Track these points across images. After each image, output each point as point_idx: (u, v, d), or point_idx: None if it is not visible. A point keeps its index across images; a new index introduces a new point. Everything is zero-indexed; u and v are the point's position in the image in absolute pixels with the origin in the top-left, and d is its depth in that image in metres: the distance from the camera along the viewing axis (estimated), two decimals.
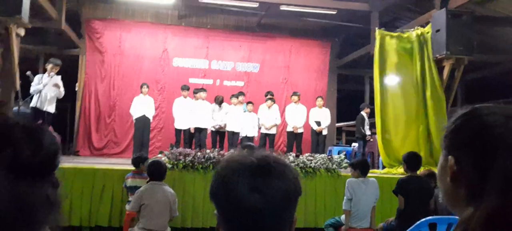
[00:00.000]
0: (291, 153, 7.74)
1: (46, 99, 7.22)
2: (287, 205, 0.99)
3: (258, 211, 0.95)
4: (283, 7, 10.26)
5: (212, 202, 1.02)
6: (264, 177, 0.97)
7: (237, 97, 9.53)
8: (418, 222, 3.77)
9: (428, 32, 8.04)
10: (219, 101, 9.49)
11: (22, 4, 6.57)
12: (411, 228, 3.79)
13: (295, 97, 9.67)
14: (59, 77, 7.46)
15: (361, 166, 5.03)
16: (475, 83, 12.05)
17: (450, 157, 0.89)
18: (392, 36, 8.28)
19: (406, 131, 8.06)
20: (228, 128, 9.35)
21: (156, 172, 4.39)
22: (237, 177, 0.97)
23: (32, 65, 10.02)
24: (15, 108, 7.12)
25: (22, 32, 7.27)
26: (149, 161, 5.11)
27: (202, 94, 9.29)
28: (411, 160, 4.91)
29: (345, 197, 4.87)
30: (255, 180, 0.96)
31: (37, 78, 7.24)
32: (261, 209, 0.95)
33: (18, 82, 7.16)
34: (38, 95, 7.16)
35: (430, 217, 3.95)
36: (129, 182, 5.24)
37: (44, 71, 7.36)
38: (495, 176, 0.81)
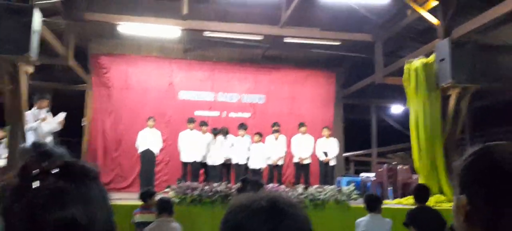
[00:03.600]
0: (299, 184, 7.66)
1: (42, 135, 7.21)
2: None
3: None
4: (287, 40, 10.37)
5: None
6: (278, 220, 0.96)
7: (245, 129, 9.52)
8: None
9: (432, 62, 8.06)
10: (224, 132, 9.50)
11: (31, 42, 6.67)
12: None
13: (303, 128, 9.64)
14: (64, 114, 7.45)
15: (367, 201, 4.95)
16: (481, 111, 12.00)
17: (462, 196, 0.88)
18: (409, 68, 8.28)
19: (419, 163, 7.99)
20: (234, 160, 9.31)
21: (166, 208, 4.37)
22: (252, 222, 0.96)
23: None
24: (22, 144, 7.13)
25: (30, 69, 7.35)
26: (157, 196, 5.07)
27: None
28: (420, 192, 4.86)
29: None
30: (270, 224, 0.95)
31: (30, 114, 7.17)
32: None
33: (27, 117, 7.20)
34: (34, 132, 7.12)
35: None
36: (138, 217, 5.20)
37: (31, 106, 7.29)
38: (509, 214, 0.81)
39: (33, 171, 0.74)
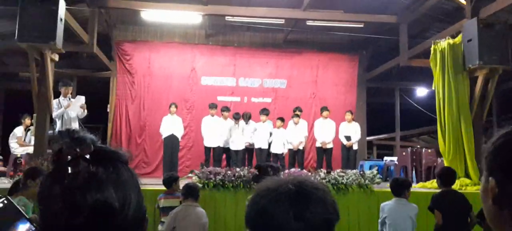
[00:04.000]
0: (321, 169, 7.64)
1: (70, 121, 7.35)
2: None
3: None
4: (309, 23, 10.26)
5: (249, 229, 1.02)
6: (305, 204, 0.97)
7: (266, 114, 9.53)
8: None
9: (459, 42, 7.85)
10: (247, 117, 9.53)
11: (56, 30, 6.80)
12: None
13: (326, 113, 9.56)
14: (84, 97, 7.58)
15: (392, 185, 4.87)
16: (509, 94, 11.65)
17: (491, 178, 0.86)
18: (436, 49, 8.09)
19: (444, 146, 7.84)
20: (256, 145, 9.35)
21: (190, 193, 4.43)
22: (278, 206, 0.96)
23: None
24: (50, 131, 7.31)
25: (56, 57, 7.52)
26: (180, 181, 5.14)
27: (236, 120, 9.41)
28: (445, 175, 4.79)
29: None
30: (297, 208, 0.96)
31: (55, 103, 7.33)
32: None
33: (53, 105, 7.37)
34: (61, 118, 7.28)
35: None
36: (162, 202, 5.28)
37: (57, 95, 7.45)
38: None
39: (68, 156, 0.77)
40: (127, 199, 0.78)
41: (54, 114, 7.29)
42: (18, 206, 0.90)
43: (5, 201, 0.90)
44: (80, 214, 0.73)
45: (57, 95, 7.46)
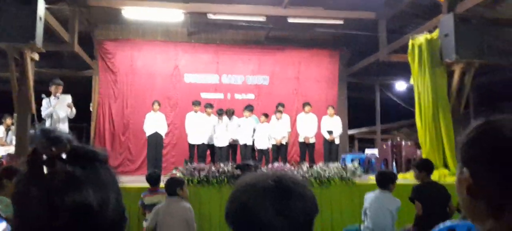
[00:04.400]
0: (304, 162, 7.76)
1: (58, 120, 7.31)
2: (308, 224, 1.01)
3: None
4: (290, 20, 10.34)
5: (229, 225, 1.02)
6: (285, 199, 0.98)
7: (250, 111, 9.60)
8: (436, 228, 3.76)
9: (436, 37, 8.04)
10: (230, 113, 9.60)
11: (36, 30, 6.74)
12: None
13: (308, 108, 9.70)
14: (70, 96, 7.54)
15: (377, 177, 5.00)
16: (487, 86, 11.96)
17: (465, 169, 0.87)
18: (413, 44, 8.27)
19: (424, 138, 8.03)
20: (241, 141, 9.43)
21: (172, 189, 4.44)
22: (259, 201, 0.97)
23: (47, 88, 10.23)
24: (32, 130, 7.25)
25: (36, 56, 7.45)
26: (164, 178, 5.16)
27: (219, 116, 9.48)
28: (424, 166, 4.90)
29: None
30: (278, 203, 0.96)
31: (45, 102, 7.29)
32: (285, 230, 0.96)
33: (33, 105, 7.31)
34: (49, 118, 7.24)
35: (448, 223, 3.92)
36: (146, 200, 5.31)
37: (48, 94, 7.43)
38: None
39: (43, 156, 0.74)
40: (105, 198, 0.76)
41: (43, 113, 7.25)
42: None
43: None
44: (59, 216, 0.70)
45: (38, 94, 7.40)
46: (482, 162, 0.84)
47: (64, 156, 0.75)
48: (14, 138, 7.79)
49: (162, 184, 5.52)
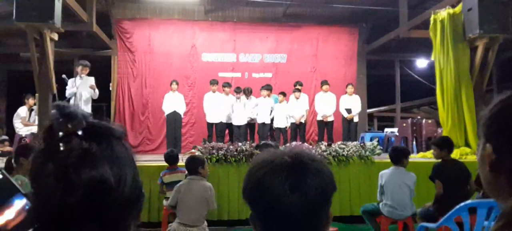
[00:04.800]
0: (322, 142, 7.72)
1: (81, 101, 7.44)
2: (324, 202, 0.99)
3: (298, 210, 0.95)
4: None
5: (246, 202, 1.02)
6: (301, 175, 0.97)
7: (267, 90, 9.57)
8: (457, 207, 3.72)
9: (459, 12, 7.81)
10: (248, 92, 9.59)
11: (54, 10, 6.79)
12: (450, 212, 3.74)
13: (326, 86, 9.61)
14: (93, 78, 7.67)
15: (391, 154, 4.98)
16: (510, 61, 11.63)
17: (487, 144, 0.85)
18: (436, 19, 8.06)
19: (445, 116, 7.88)
20: (259, 120, 9.43)
21: (191, 167, 4.47)
22: (274, 178, 0.96)
23: (67, 68, 10.36)
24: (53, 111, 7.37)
25: (55, 36, 7.53)
26: (184, 156, 5.21)
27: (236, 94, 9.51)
28: (444, 144, 4.83)
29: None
30: (293, 180, 0.96)
31: (70, 82, 7.45)
32: (300, 208, 0.95)
33: (54, 85, 7.42)
34: (73, 98, 7.37)
35: (469, 201, 3.89)
36: (166, 178, 5.37)
37: (76, 74, 7.59)
38: None
39: (59, 133, 0.74)
40: (122, 175, 0.75)
41: (67, 92, 7.38)
42: (13, 181, 0.85)
43: (0, 175, 0.85)
44: (75, 192, 0.70)
45: (58, 74, 7.51)
46: (505, 136, 0.82)
47: (80, 132, 0.74)
48: (37, 117, 7.94)
49: (181, 163, 5.59)
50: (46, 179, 0.71)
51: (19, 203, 0.81)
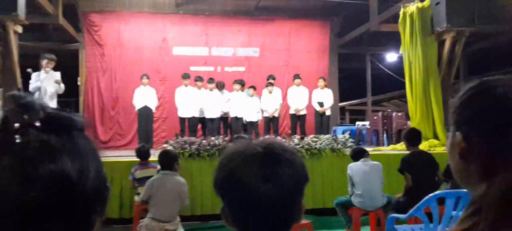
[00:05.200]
0: (295, 135, 7.76)
1: (46, 96, 7.18)
2: (297, 193, 0.99)
3: (270, 201, 0.94)
4: None
5: (217, 193, 1.01)
6: (274, 166, 0.96)
7: (240, 84, 9.53)
8: (426, 198, 3.79)
9: (428, 6, 7.97)
10: (220, 86, 9.53)
11: (18, 1, 6.57)
12: (419, 203, 3.81)
13: (298, 81, 9.65)
14: (59, 73, 7.41)
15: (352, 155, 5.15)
16: (478, 55, 11.95)
17: (458, 133, 0.85)
18: (405, 13, 8.19)
19: (414, 109, 8.04)
20: (231, 114, 9.39)
21: (164, 162, 4.41)
22: (246, 168, 0.95)
23: (33, 62, 10.02)
24: None
25: (19, 29, 7.29)
26: (156, 152, 5.13)
27: (210, 85, 9.42)
28: (412, 136, 4.95)
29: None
30: (265, 170, 0.95)
31: (34, 76, 7.13)
32: (273, 198, 0.94)
33: (19, 79, 7.18)
34: (37, 92, 7.10)
35: (438, 192, 3.97)
36: (138, 174, 5.29)
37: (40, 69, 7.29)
38: (509, 150, 0.78)
39: (15, 124, 0.69)
40: (84, 168, 0.71)
41: (30, 87, 7.10)
42: None
43: None
44: (33, 187, 0.65)
45: (24, 68, 7.24)
46: (475, 123, 0.83)
47: (38, 123, 0.69)
48: (1, 112, 7.65)
49: (153, 158, 5.51)
50: (1, 174, 0.66)
51: None
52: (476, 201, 0.80)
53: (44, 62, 7.26)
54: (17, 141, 0.68)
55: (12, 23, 6.93)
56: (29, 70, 7.14)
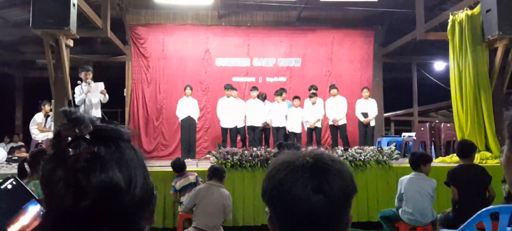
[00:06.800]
0: (338, 146, 7.61)
1: (91, 106, 7.44)
2: (346, 203, 0.98)
3: (321, 211, 0.94)
4: None
5: (266, 204, 1.01)
6: (323, 176, 0.96)
7: (281, 95, 9.52)
8: (478, 212, 3.58)
9: (477, 13, 7.64)
10: (262, 97, 9.54)
11: (70, 16, 6.83)
12: (471, 218, 3.61)
13: (334, 91, 9.53)
14: (102, 83, 7.68)
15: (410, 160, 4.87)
16: None
17: None
18: (454, 21, 7.90)
19: (464, 120, 7.70)
20: (273, 124, 9.37)
21: (216, 175, 4.46)
22: (296, 179, 0.95)
23: None
24: None
25: (71, 43, 7.59)
26: (198, 162, 5.18)
27: (253, 93, 9.47)
28: (462, 148, 4.72)
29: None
30: (316, 180, 0.95)
31: (78, 89, 7.44)
32: (323, 209, 0.94)
33: (70, 92, 7.46)
34: (83, 104, 7.38)
35: (491, 206, 3.75)
36: (178, 184, 5.36)
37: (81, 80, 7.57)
38: None
39: (67, 138, 0.74)
40: (132, 177, 0.76)
41: (76, 100, 7.39)
42: (27, 187, 0.86)
43: (14, 182, 0.86)
44: (86, 197, 0.70)
45: (74, 80, 7.54)
46: None
47: (88, 136, 0.75)
48: (53, 123, 7.99)
49: (191, 168, 5.59)
50: (56, 185, 0.71)
51: (34, 209, 0.83)
52: None
53: (82, 74, 7.55)
54: (70, 153, 0.73)
55: (64, 37, 7.23)
56: (79, 82, 7.44)
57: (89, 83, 7.48)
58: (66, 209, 0.70)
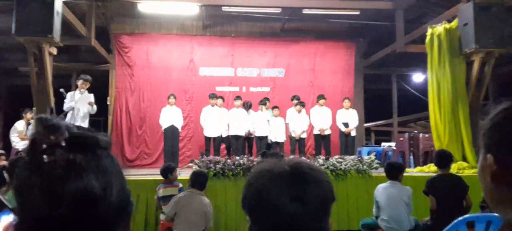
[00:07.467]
0: (320, 155, 7.72)
1: (78, 116, 7.39)
2: (324, 212, 0.99)
3: (298, 219, 0.94)
4: (305, 11, 10.27)
5: (245, 212, 1.01)
6: (301, 184, 0.96)
7: (265, 104, 9.61)
8: (455, 221, 3.70)
9: (455, 27, 7.88)
10: (247, 106, 9.62)
11: (53, 24, 6.83)
12: (448, 227, 3.72)
13: (323, 101, 9.65)
14: (92, 95, 7.66)
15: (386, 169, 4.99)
16: (507, 76, 11.69)
17: (489, 155, 0.83)
18: (432, 34, 8.11)
19: (442, 130, 7.90)
20: (256, 133, 9.44)
21: (198, 182, 4.47)
22: (274, 187, 0.96)
23: (65, 82, 10.38)
24: None
25: (54, 50, 7.57)
26: (181, 170, 5.20)
27: (236, 102, 9.53)
28: (440, 158, 4.84)
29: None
30: (293, 189, 0.95)
31: (69, 95, 7.41)
32: (301, 217, 0.94)
33: (52, 99, 7.42)
34: (71, 112, 7.34)
35: (468, 215, 3.87)
36: (161, 192, 5.36)
37: (76, 88, 7.56)
38: None
39: (42, 145, 0.72)
40: (109, 184, 0.74)
41: (65, 106, 7.34)
42: (1, 197, 0.84)
43: None
44: (61, 204, 0.68)
45: (56, 88, 7.50)
46: (507, 146, 0.80)
47: (64, 143, 0.73)
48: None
49: (179, 177, 5.60)
50: (31, 192, 0.70)
51: (6, 219, 0.80)
52: (507, 227, 0.79)
53: (80, 82, 7.51)
54: (45, 160, 0.72)
55: (48, 45, 7.21)
56: (61, 90, 7.39)
57: (81, 93, 7.43)
58: (40, 217, 0.69)
